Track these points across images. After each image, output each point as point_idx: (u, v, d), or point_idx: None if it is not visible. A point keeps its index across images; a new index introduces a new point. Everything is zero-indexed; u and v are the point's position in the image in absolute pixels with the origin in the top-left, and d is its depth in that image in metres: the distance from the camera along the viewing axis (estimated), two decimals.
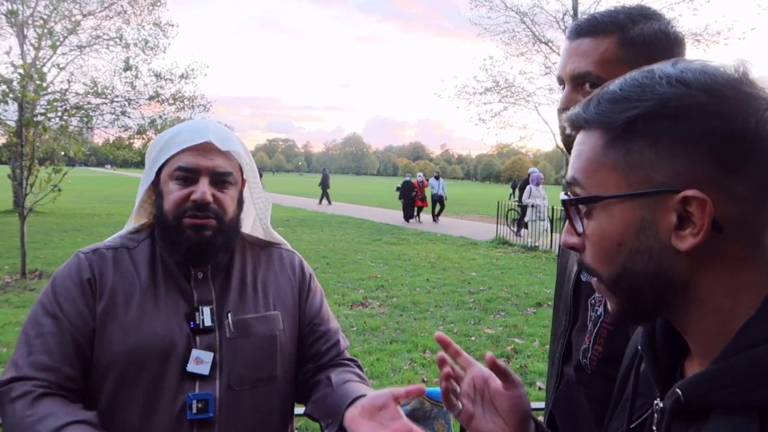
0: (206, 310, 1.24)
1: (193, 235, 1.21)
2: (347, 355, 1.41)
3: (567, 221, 0.66)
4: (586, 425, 1.20)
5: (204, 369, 1.20)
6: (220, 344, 1.23)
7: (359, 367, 1.40)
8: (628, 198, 0.58)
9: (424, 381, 4.72)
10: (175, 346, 1.19)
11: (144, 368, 1.17)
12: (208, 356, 1.21)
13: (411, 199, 19.34)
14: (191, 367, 1.19)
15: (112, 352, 1.17)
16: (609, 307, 0.67)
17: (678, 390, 0.58)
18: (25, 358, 1.14)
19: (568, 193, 0.64)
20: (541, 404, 1.44)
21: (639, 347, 0.70)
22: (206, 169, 1.22)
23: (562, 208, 0.66)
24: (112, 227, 14.71)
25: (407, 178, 19.68)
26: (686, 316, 0.61)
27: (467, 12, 18.70)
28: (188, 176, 1.22)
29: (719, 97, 0.55)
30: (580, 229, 0.64)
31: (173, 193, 1.22)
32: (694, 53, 16.77)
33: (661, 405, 0.62)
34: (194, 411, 1.17)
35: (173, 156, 1.22)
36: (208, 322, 1.23)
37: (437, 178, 20.12)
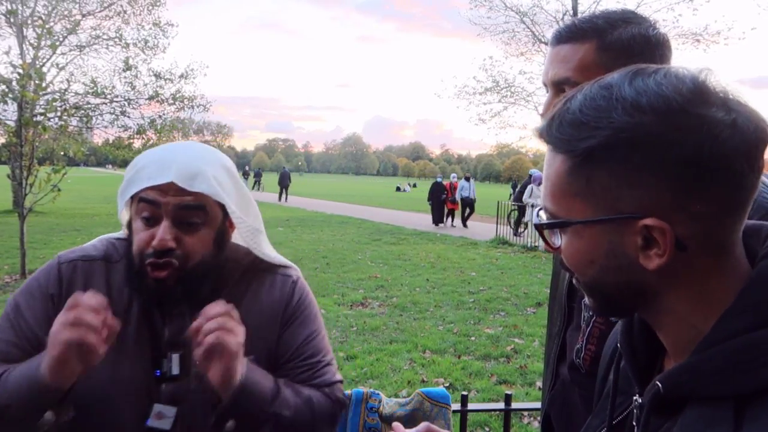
0: (175, 357, 1.11)
1: (153, 284, 1.08)
2: (326, 390, 1.21)
3: (543, 241, 0.69)
4: (581, 425, 1.21)
5: (166, 424, 1.10)
6: (184, 395, 1.12)
7: (331, 400, 1.21)
8: (594, 223, 0.60)
9: (423, 381, 4.72)
10: (137, 395, 1.10)
11: (98, 416, 1.08)
12: (170, 411, 1.10)
13: (441, 201, 18.16)
14: (152, 422, 1.09)
15: (72, 387, 1.04)
16: (587, 302, 0.70)
17: (658, 382, 0.60)
18: None
19: (540, 215, 0.67)
20: (539, 404, 1.44)
21: (618, 344, 0.72)
22: (168, 205, 1.08)
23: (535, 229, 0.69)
24: (112, 227, 14.61)
25: (438, 179, 18.61)
26: (660, 320, 0.64)
27: (467, 12, 18.61)
28: (151, 213, 1.09)
29: (672, 124, 0.55)
30: (555, 244, 0.68)
31: (139, 233, 1.10)
32: (694, 53, 16.80)
33: (640, 401, 0.64)
34: None
35: (138, 192, 1.10)
36: (175, 371, 1.11)
37: (468, 179, 18.80)
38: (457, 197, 18.19)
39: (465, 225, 17.76)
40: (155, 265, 1.08)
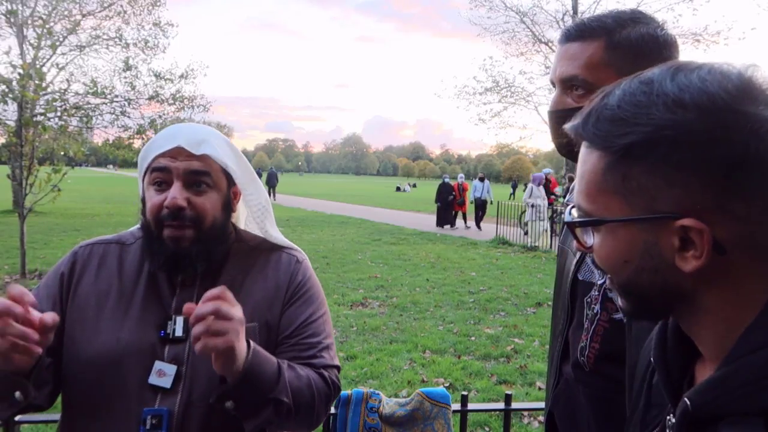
0: (179, 319, 1.17)
1: (171, 246, 1.15)
2: (324, 372, 1.22)
3: (575, 239, 0.67)
4: (585, 423, 1.21)
5: (166, 382, 1.14)
6: (187, 357, 1.16)
7: (327, 383, 1.22)
8: (630, 222, 0.59)
9: (423, 381, 4.72)
10: (140, 355, 1.15)
11: (107, 375, 1.14)
12: (171, 369, 1.15)
13: (448, 203, 17.35)
14: (153, 380, 1.14)
15: (78, 354, 1.16)
16: (620, 305, 0.68)
17: (686, 399, 0.58)
18: None
19: (572, 213, 0.65)
20: (541, 404, 1.44)
21: (652, 359, 0.70)
22: (178, 169, 1.16)
23: (566, 227, 0.66)
24: (112, 227, 14.71)
25: (446, 179, 17.93)
26: (695, 323, 0.62)
27: (467, 12, 18.64)
28: (162, 179, 1.17)
29: (718, 122, 0.53)
30: (587, 244, 0.66)
31: (150, 200, 1.18)
32: (694, 53, 16.78)
33: (673, 420, 0.62)
34: (147, 427, 1.11)
35: (150, 163, 1.19)
36: (179, 332, 1.17)
37: (482, 180, 18.05)
38: (470, 198, 17.60)
39: (479, 227, 16.91)
40: (171, 225, 1.15)
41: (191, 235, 1.16)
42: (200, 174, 1.18)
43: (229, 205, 1.25)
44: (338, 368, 1.28)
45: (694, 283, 0.58)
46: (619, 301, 0.67)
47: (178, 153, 1.17)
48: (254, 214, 1.34)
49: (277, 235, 1.35)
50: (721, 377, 0.56)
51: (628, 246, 0.60)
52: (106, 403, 1.14)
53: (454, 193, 17.43)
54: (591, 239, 0.65)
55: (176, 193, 1.14)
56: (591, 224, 0.63)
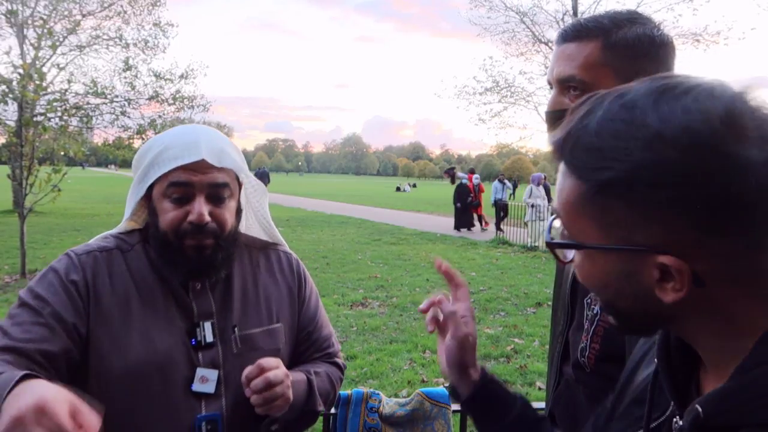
0: (207, 325, 1.19)
1: (194, 256, 1.16)
2: (337, 360, 1.40)
3: (554, 255, 0.66)
4: (585, 424, 1.21)
5: (210, 387, 1.16)
6: (224, 360, 1.19)
7: (340, 369, 1.40)
8: (609, 250, 0.57)
9: (423, 381, 4.72)
10: (177, 364, 1.15)
11: (145, 387, 1.12)
12: (213, 374, 1.17)
13: (467, 205, 16.91)
14: (197, 387, 1.15)
15: (110, 367, 1.12)
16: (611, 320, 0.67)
17: (698, 406, 0.57)
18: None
19: (551, 231, 0.64)
20: (541, 404, 1.44)
21: (656, 359, 0.69)
22: (201, 184, 1.15)
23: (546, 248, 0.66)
24: (112, 227, 14.55)
25: (464, 181, 17.48)
26: (689, 338, 0.62)
27: (466, 12, 18.58)
28: (183, 194, 1.15)
29: (698, 162, 0.51)
30: (566, 258, 0.65)
31: (168, 212, 1.15)
32: (694, 53, 16.77)
33: (680, 423, 0.61)
34: None
35: (166, 174, 1.15)
36: (209, 338, 1.19)
37: (502, 181, 17.40)
38: (491, 200, 16.85)
39: (500, 229, 15.60)
40: (195, 239, 1.15)
41: (212, 244, 1.17)
42: (222, 186, 1.18)
43: (239, 209, 1.27)
44: (340, 350, 1.45)
45: (676, 311, 0.58)
46: (588, 298, 0.67)
47: (198, 166, 1.14)
48: (254, 202, 1.38)
49: (273, 228, 1.40)
50: (734, 387, 0.55)
51: (606, 272, 0.59)
52: (149, 416, 1.12)
53: (471, 194, 17.06)
54: (570, 254, 0.64)
55: (202, 209, 1.14)
56: (569, 247, 0.62)
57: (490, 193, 17.34)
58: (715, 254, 0.53)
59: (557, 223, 0.63)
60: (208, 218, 1.15)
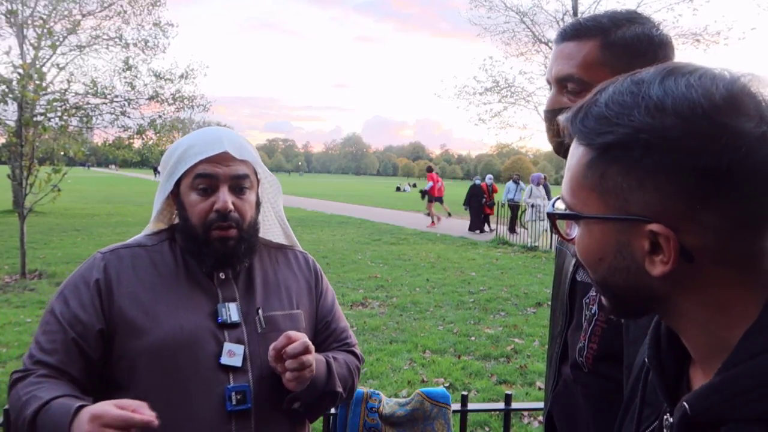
0: (232, 306, 1.27)
1: (220, 247, 1.25)
2: (355, 350, 1.46)
3: (555, 230, 0.68)
4: (584, 424, 1.21)
5: (237, 361, 1.23)
6: (249, 338, 1.26)
7: (358, 358, 1.45)
8: (604, 220, 0.60)
9: (423, 381, 4.72)
10: (205, 340, 1.22)
11: (175, 361, 1.19)
12: (239, 349, 1.24)
13: (481, 206, 16.66)
14: (225, 360, 1.22)
15: (139, 343, 1.19)
16: (601, 301, 0.69)
17: (685, 403, 0.58)
18: (34, 352, 1.19)
19: (556, 204, 0.66)
20: (541, 404, 1.45)
21: (646, 359, 0.70)
22: (225, 175, 1.24)
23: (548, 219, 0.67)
24: (112, 227, 14.68)
25: (476, 181, 17.19)
26: (676, 325, 0.63)
27: (466, 12, 18.57)
28: (208, 185, 1.24)
29: (694, 130, 0.53)
30: (570, 235, 0.67)
31: (197, 205, 1.25)
32: (694, 53, 16.78)
33: (671, 420, 0.62)
34: (234, 402, 1.20)
35: (191, 167, 1.24)
36: (234, 318, 1.26)
37: (516, 181, 16.93)
38: (503, 200, 16.09)
39: (514, 230, 14.83)
40: (221, 229, 1.24)
41: (235, 235, 1.25)
42: (243, 178, 1.27)
43: (259, 203, 1.35)
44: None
45: (665, 287, 0.59)
46: (587, 298, 0.68)
47: (221, 158, 1.24)
48: (270, 195, 1.46)
49: (288, 227, 1.49)
50: (721, 383, 0.56)
51: (602, 244, 0.61)
52: (183, 388, 1.19)
53: (485, 195, 16.67)
54: (573, 231, 0.66)
55: (226, 197, 1.24)
56: (567, 218, 0.64)
57: (501, 193, 17.07)
58: (704, 228, 0.55)
59: (559, 203, 0.65)
60: (231, 207, 1.24)
